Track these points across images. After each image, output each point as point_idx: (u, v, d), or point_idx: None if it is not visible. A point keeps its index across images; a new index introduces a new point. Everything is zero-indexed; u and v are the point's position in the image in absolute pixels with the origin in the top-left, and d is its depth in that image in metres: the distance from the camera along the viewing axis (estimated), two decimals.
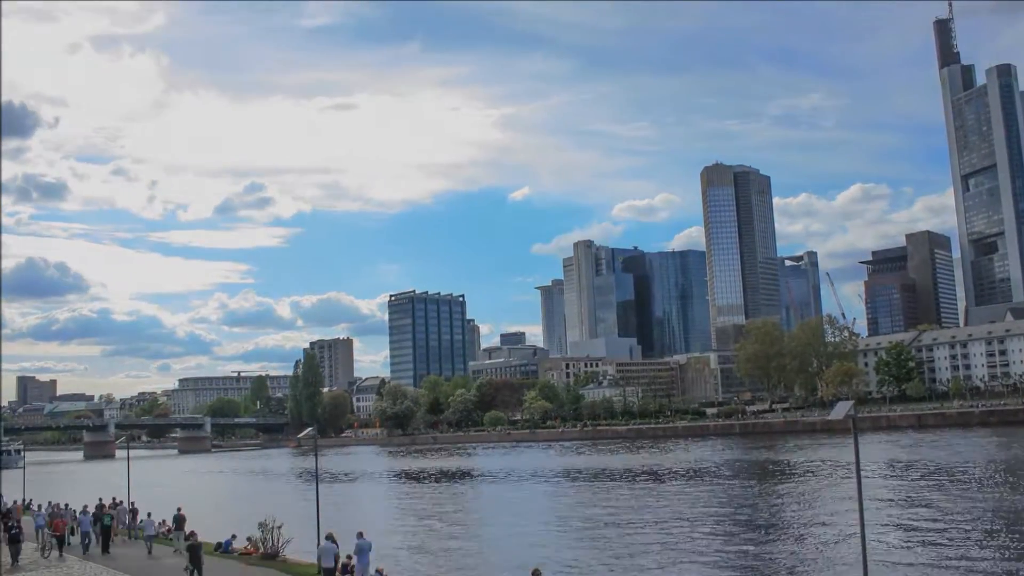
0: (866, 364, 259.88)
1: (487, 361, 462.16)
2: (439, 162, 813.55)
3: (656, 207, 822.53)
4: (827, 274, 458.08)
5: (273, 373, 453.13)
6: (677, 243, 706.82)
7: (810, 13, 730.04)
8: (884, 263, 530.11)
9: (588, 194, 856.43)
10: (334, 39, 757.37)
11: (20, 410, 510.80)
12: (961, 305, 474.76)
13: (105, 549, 46.34)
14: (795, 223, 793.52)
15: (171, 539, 47.14)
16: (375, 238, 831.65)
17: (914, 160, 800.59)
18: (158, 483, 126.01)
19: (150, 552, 44.88)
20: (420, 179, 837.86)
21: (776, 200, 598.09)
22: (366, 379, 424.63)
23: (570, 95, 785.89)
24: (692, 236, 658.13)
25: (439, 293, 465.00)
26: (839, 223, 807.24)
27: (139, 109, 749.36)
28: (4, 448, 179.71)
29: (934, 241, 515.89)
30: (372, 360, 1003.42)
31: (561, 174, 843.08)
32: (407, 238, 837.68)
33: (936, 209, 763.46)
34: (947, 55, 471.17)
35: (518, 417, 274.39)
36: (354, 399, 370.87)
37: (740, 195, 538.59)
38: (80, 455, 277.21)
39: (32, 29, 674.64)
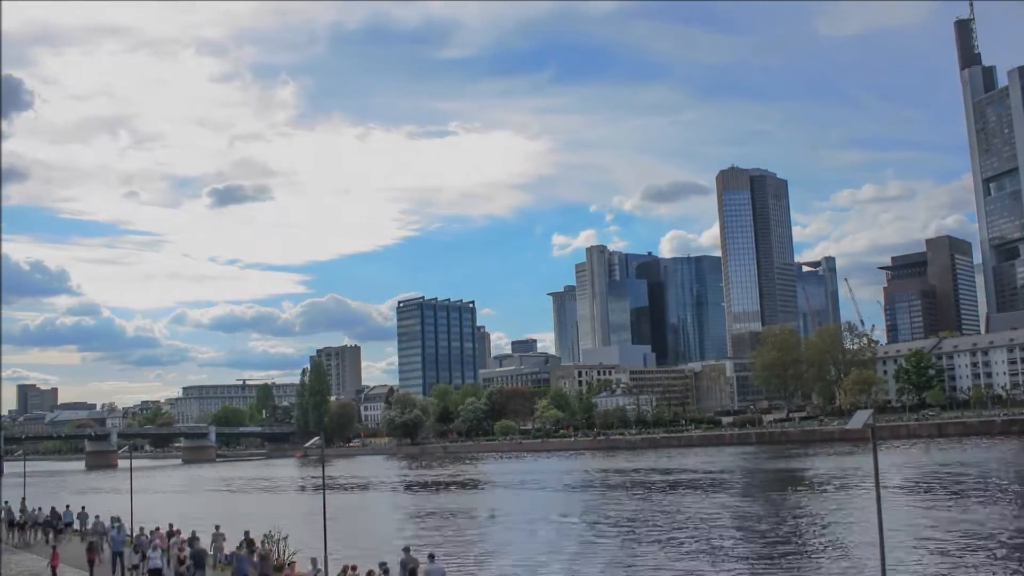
0: (885, 372, 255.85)
1: (498, 369, 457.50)
2: (509, 183, 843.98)
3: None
4: (845, 280, 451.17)
5: (279, 381, 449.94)
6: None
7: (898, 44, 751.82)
8: (903, 268, 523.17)
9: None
10: (465, 70, 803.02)
11: (21, 419, 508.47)
12: (982, 311, 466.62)
13: None
14: (813, 227, 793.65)
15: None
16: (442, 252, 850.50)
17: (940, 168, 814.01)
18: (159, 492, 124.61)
19: None
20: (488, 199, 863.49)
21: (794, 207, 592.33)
22: (374, 387, 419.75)
23: (661, 121, 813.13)
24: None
25: (448, 299, 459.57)
26: (857, 227, 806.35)
27: (263, 132, 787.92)
28: None
29: (955, 246, 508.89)
30: (374, 366, 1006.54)
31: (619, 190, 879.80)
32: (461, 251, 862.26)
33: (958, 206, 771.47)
34: (968, 56, 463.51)
35: (529, 426, 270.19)
36: (362, 408, 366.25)
37: (756, 199, 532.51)
38: (82, 465, 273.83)
39: (191, 61, 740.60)
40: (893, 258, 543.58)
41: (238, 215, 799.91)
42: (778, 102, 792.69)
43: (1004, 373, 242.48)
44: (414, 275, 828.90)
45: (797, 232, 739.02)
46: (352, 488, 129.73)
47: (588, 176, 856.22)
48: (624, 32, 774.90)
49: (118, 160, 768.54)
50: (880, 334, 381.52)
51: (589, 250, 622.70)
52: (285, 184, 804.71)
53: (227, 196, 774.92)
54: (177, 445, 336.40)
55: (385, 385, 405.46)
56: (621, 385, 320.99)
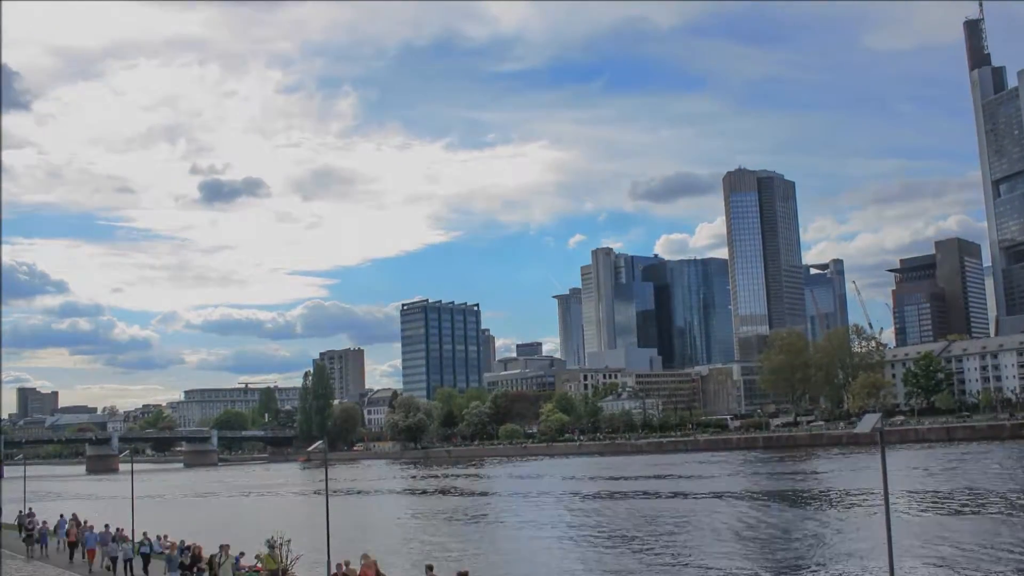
0: (894, 375, 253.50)
1: (502, 372, 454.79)
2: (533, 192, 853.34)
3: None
4: (854, 282, 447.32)
5: (282, 385, 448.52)
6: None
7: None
8: (912, 271, 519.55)
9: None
10: (517, 83, 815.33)
11: (21, 423, 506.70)
12: (992, 314, 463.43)
13: None
14: (822, 230, 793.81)
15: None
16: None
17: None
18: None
19: None
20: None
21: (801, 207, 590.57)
22: (377, 391, 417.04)
23: (694, 131, 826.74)
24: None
25: (453, 302, 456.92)
26: (865, 229, 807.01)
27: (308, 140, 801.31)
28: None
29: (964, 248, 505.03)
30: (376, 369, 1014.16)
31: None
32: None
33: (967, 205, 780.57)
34: (978, 57, 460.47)
35: (534, 430, 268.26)
36: (365, 411, 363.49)
37: (764, 201, 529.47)
38: (83, 469, 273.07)
39: (259, 73, 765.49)
40: (902, 260, 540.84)
41: (268, 219, 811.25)
42: (815, 112, 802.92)
43: (1014, 376, 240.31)
44: (431, 280, 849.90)
45: (804, 234, 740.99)
46: (358, 492, 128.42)
47: (611, 183, 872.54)
48: (680, 47, 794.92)
49: (165, 166, 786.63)
50: (889, 337, 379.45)
51: (595, 252, 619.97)
52: (326, 191, 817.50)
53: (260, 199, 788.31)
54: (178, 449, 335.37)
55: (389, 389, 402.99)
56: (627, 389, 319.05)
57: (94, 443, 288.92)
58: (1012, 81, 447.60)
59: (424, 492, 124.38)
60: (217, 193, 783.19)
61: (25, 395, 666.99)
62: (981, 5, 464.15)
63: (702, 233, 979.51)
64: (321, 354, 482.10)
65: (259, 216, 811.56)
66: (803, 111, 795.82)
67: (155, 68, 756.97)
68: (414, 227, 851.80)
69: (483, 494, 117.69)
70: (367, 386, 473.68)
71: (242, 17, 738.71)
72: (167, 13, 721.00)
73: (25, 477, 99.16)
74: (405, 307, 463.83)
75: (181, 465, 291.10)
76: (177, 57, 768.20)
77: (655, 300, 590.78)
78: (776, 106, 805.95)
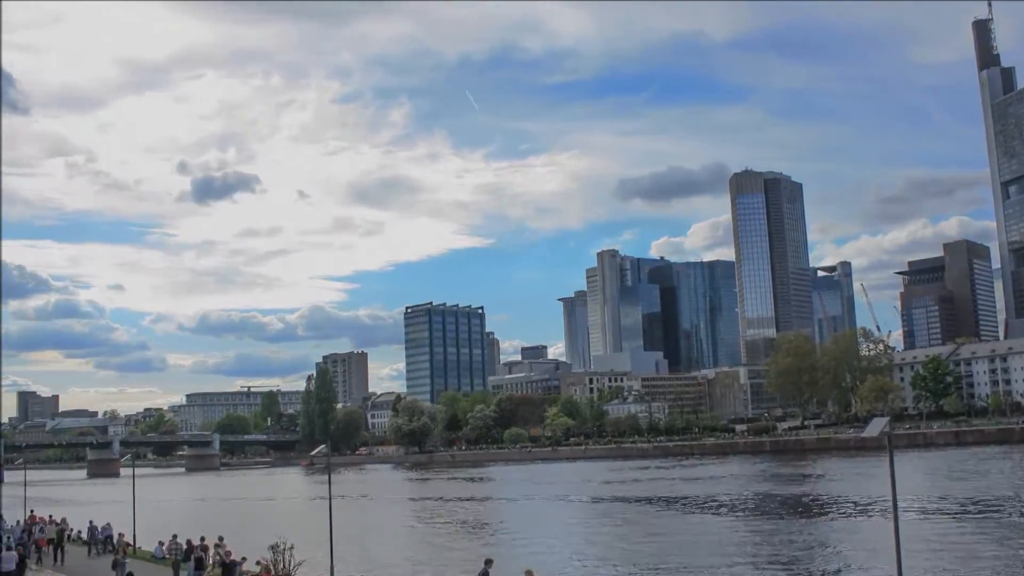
0: (902, 379, 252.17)
1: (507, 376, 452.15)
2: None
3: None
4: (862, 284, 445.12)
5: (284, 388, 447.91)
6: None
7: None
8: (920, 274, 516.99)
9: None
10: (562, 94, 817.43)
11: (21, 426, 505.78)
12: (1001, 317, 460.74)
13: None
14: (828, 232, 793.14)
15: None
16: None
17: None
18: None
19: None
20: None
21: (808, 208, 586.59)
22: (381, 395, 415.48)
23: (720, 139, 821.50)
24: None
25: (457, 305, 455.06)
26: (874, 232, 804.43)
27: (355, 150, 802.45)
28: None
29: (972, 251, 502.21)
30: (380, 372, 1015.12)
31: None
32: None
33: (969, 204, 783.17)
34: (987, 57, 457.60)
35: (539, 434, 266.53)
36: (369, 415, 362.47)
37: (771, 203, 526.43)
38: (84, 473, 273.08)
39: (318, 83, 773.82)
40: (910, 263, 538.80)
41: (297, 224, 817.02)
42: (839, 121, 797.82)
43: (1023, 380, 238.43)
44: (447, 284, 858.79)
45: (811, 236, 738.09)
46: (362, 497, 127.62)
47: (614, 186, 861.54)
48: (727, 60, 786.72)
49: (210, 174, 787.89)
50: (897, 340, 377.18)
51: (600, 255, 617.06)
52: (365, 198, 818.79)
53: (294, 205, 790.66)
54: (180, 453, 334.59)
55: (392, 392, 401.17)
56: (633, 392, 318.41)
57: (95, 447, 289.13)
58: (1022, 82, 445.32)
59: (428, 497, 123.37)
60: (255, 199, 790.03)
61: (25, 399, 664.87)
62: (990, 5, 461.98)
63: (700, 234, 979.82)
64: (324, 357, 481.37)
65: (286, 220, 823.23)
66: (829, 120, 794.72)
67: (219, 79, 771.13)
68: (439, 233, 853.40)
69: (487, 499, 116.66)
70: (370, 390, 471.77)
71: (310, 31, 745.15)
72: (237, 27, 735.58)
73: (26, 482, 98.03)
74: (409, 310, 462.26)
75: (183, 469, 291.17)
76: (242, 68, 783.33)
77: (661, 303, 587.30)
78: (804, 116, 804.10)
